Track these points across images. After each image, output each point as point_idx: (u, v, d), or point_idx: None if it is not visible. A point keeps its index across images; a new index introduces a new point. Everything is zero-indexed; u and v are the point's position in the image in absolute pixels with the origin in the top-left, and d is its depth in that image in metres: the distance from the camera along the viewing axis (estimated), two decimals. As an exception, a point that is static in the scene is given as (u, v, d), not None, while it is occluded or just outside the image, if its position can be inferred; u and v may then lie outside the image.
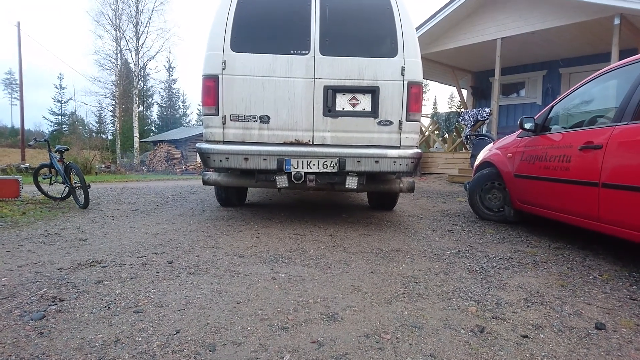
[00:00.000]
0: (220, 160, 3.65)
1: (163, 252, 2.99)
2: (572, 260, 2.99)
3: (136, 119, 27.44)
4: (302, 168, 3.66)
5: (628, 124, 2.71)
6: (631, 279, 2.57)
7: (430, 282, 2.45)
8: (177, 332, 1.72)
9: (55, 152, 5.53)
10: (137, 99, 28.37)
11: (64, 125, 47.05)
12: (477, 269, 2.74)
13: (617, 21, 7.78)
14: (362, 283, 2.40)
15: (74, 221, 4.28)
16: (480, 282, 2.46)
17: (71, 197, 5.46)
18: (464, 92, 13.66)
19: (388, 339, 1.71)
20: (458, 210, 5.42)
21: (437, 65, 12.10)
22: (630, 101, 2.77)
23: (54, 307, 1.96)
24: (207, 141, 3.74)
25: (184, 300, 2.07)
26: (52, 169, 5.62)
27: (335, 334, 1.74)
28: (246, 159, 3.62)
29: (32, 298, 2.07)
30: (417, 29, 9.92)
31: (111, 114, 40.40)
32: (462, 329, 1.82)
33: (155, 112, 53.89)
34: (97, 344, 1.61)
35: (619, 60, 3.25)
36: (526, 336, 1.76)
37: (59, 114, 49.90)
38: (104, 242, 3.31)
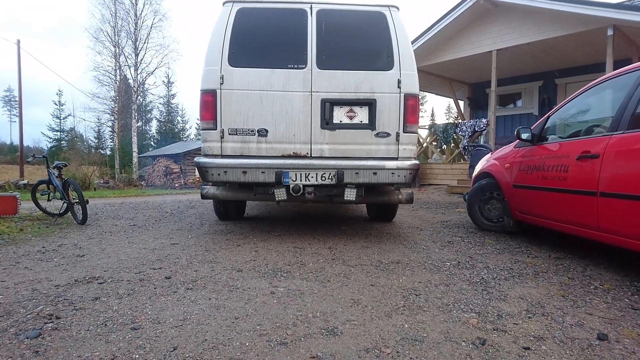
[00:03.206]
0: (219, 174, 3.65)
1: (161, 268, 2.97)
2: (573, 270, 2.98)
3: (135, 134, 27.49)
4: (301, 180, 3.65)
5: (624, 132, 2.73)
6: (633, 288, 2.55)
7: (431, 294, 2.43)
8: (174, 349, 1.70)
9: (54, 168, 5.53)
10: (136, 114, 28.47)
11: (63, 142, 47.07)
12: (478, 280, 2.72)
13: (610, 32, 7.89)
14: (362, 296, 2.38)
15: (71, 237, 4.26)
16: (481, 294, 2.44)
17: (69, 213, 5.44)
18: (461, 103, 13.76)
19: (388, 353, 1.69)
20: (457, 221, 5.40)
21: (434, 78, 12.23)
22: (625, 110, 2.79)
23: (50, 324, 1.94)
24: (206, 155, 3.75)
25: (182, 316, 2.05)
26: (50, 185, 5.60)
27: (335, 349, 1.72)
28: (244, 172, 3.63)
29: (28, 316, 2.04)
30: (413, 42, 10.05)
31: (110, 129, 40.55)
32: (463, 341, 1.80)
33: (154, 127, 54.10)
34: (93, 362, 1.59)
35: (614, 70, 3.28)
36: (528, 348, 1.74)
37: (57, 130, 49.98)
38: (102, 258, 3.29)
